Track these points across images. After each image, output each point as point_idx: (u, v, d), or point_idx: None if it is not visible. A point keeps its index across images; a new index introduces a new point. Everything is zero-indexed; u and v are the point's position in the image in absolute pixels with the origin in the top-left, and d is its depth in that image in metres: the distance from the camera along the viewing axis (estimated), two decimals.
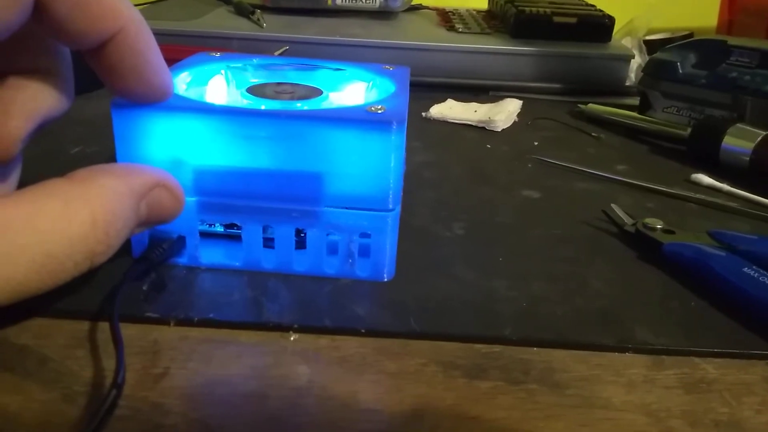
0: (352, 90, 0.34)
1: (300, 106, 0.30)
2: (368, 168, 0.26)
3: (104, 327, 0.25)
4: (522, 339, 0.25)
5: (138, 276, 0.26)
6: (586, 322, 0.26)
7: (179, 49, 0.59)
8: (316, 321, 0.25)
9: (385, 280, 0.28)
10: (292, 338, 0.25)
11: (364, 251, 0.28)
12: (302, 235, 0.28)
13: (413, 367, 0.24)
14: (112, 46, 0.22)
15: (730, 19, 0.74)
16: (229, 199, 0.27)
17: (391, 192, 0.27)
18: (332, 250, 0.28)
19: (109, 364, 0.23)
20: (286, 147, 0.26)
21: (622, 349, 0.25)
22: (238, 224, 0.28)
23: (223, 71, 0.34)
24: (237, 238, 0.28)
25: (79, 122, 0.45)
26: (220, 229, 0.29)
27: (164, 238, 0.28)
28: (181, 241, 0.28)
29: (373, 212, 0.27)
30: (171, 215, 0.24)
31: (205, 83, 0.32)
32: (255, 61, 0.35)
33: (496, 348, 0.25)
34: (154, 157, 0.26)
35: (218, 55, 0.34)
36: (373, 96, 0.33)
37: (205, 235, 0.29)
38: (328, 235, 0.28)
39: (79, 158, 0.40)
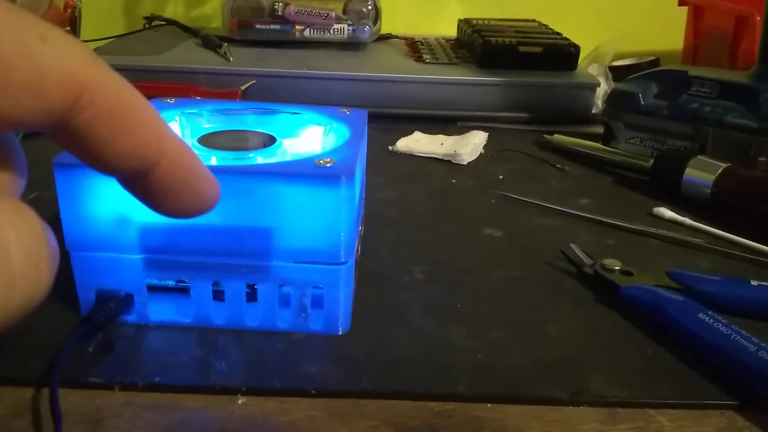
0: (309, 135, 0.34)
1: (252, 156, 0.30)
2: (318, 222, 0.26)
3: (48, 394, 0.24)
4: (475, 395, 0.25)
5: (84, 337, 0.26)
6: (542, 373, 0.26)
7: (147, 86, 0.58)
8: (265, 382, 0.25)
9: (340, 333, 0.28)
10: (239, 402, 0.24)
11: (318, 303, 0.28)
12: (254, 287, 0.28)
13: (364, 431, 0.23)
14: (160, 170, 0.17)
15: (695, 44, 0.75)
16: (177, 256, 0.27)
17: (342, 245, 0.27)
18: (285, 302, 0.28)
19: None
20: (234, 202, 0.26)
21: (577, 403, 0.25)
22: (186, 281, 0.27)
23: (177, 118, 0.33)
24: (188, 291, 0.28)
25: (37, 165, 0.44)
26: (170, 282, 0.29)
27: (111, 296, 0.27)
28: (128, 298, 0.27)
29: (325, 266, 0.27)
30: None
31: None
32: (210, 106, 0.34)
33: (450, 405, 0.24)
34: (99, 215, 0.26)
35: (173, 101, 0.34)
36: (330, 141, 0.33)
37: (155, 289, 0.28)
38: (281, 287, 0.27)
39: (36, 203, 0.39)
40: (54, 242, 0.15)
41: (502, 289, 0.33)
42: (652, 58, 0.76)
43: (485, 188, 0.46)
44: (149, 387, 0.24)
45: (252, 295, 0.28)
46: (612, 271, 0.32)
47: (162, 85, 0.58)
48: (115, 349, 0.26)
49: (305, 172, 0.26)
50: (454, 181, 0.47)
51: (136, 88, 0.16)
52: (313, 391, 0.24)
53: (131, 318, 0.28)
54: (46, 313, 0.27)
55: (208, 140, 0.31)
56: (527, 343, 0.28)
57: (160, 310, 0.28)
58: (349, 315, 0.28)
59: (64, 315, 0.27)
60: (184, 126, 0.33)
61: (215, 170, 0.27)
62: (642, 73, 0.53)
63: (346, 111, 0.35)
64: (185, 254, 0.26)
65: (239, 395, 0.24)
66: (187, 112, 0.34)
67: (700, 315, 0.28)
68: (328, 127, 0.34)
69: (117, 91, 0.15)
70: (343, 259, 0.27)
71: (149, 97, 0.37)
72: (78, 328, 0.26)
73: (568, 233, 0.39)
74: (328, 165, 0.26)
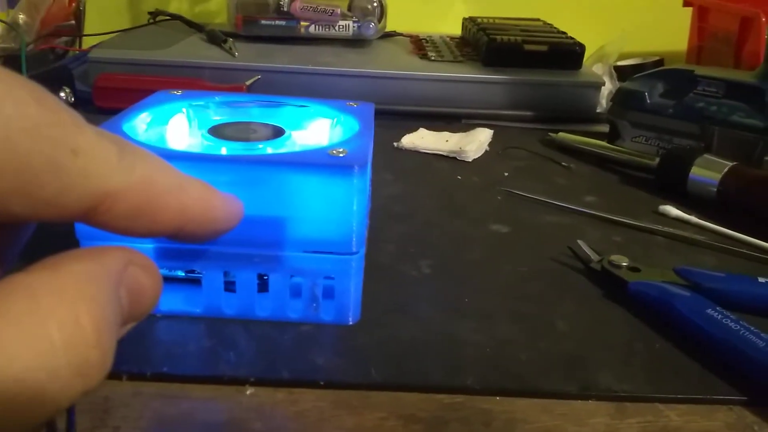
0: (316, 128, 0.34)
1: (262, 147, 0.30)
2: (330, 212, 0.26)
3: None
4: (484, 388, 0.25)
5: None
6: (550, 367, 0.26)
7: (151, 80, 0.58)
8: (273, 373, 0.24)
9: (351, 323, 0.28)
10: (248, 392, 0.24)
11: (329, 294, 0.28)
12: (265, 278, 0.28)
13: (372, 422, 0.23)
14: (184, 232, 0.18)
15: (699, 45, 0.75)
16: (189, 245, 0.27)
17: (354, 235, 0.27)
18: (296, 292, 0.28)
19: (59, 422, 0.22)
20: (247, 192, 0.26)
21: (585, 397, 0.25)
22: (198, 270, 0.27)
23: (184, 110, 0.33)
24: (197, 282, 0.28)
25: None
26: (180, 273, 0.29)
27: None
28: None
29: (336, 256, 0.27)
30: (153, 299, 0.17)
31: (166, 123, 0.32)
32: (217, 98, 0.34)
33: (458, 398, 0.24)
34: None
35: (179, 93, 0.34)
36: (338, 134, 0.33)
37: (165, 279, 0.28)
38: (291, 277, 0.27)
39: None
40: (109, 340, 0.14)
41: (510, 283, 0.33)
42: (657, 58, 0.76)
43: (491, 185, 0.45)
44: (157, 377, 0.24)
45: (262, 286, 0.28)
46: (619, 267, 0.32)
47: (166, 79, 0.58)
48: (122, 338, 0.26)
49: (319, 162, 0.26)
50: (459, 177, 0.47)
51: (169, 167, 0.17)
52: (322, 382, 0.24)
53: None
54: None
55: (217, 131, 0.31)
56: (535, 337, 0.28)
57: (170, 301, 0.28)
58: (359, 305, 0.28)
59: None
60: (191, 118, 0.33)
61: (228, 160, 0.27)
62: (648, 71, 0.53)
63: (354, 104, 0.35)
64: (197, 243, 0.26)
65: (247, 386, 0.24)
66: (194, 104, 0.34)
67: (709, 311, 0.28)
68: (335, 120, 0.34)
69: (140, 191, 0.15)
70: (354, 249, 0.27)
71: (154, 91, 0.37)
72: None
73: (574, 230, 0.39)
74: (341, 155, 0.26)
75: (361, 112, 0.33)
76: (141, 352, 0.25)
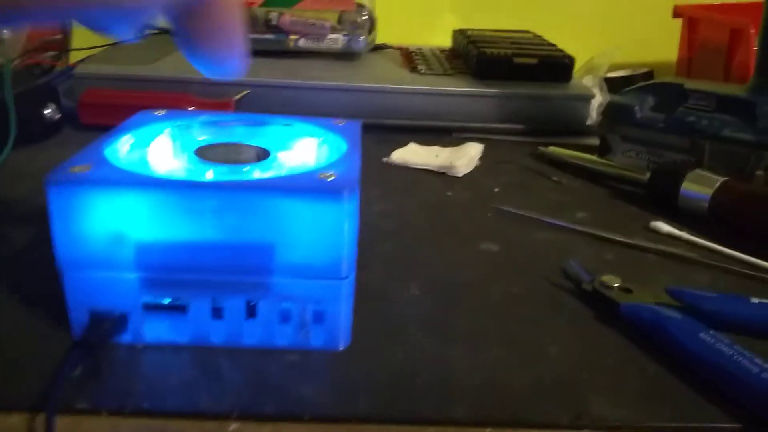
0: (303, 147, 0.33)
1: (248, 170, 0.29)
2: (320, 237, 0.25)
3: (41, 420, 0.23)
4: (475, 420, 0.24)
5: (77, 362, 0.25)
6: (543, 394, 0.26)
7: (138, 95, 0.57)
8: (257, 407, 0.24)
9: (341, 349, 0.27)
10: (231, 428, 0.23)
11: (318, 319, 0.27)
12: (252, 304, 0.27)
13: None
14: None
15: (689, 57, 0.75)
16: (175, 274, 0.26)
17: (344, 260, 0.26)
18: (285, 318, 0.27)
19: None
20: (233, 218, 0.25)
21: (579, 427, 0.24)
22: (183, 300, 0.27)
23: (167, 131, 0.33)
24: (183, 309, 0.27)
25: (27, 176, 0.43)
26: (166, 301, 0.28)
27: (105, 316, 0.26)
28: (123, 318, 0.27)
29: (326, 281, 0.26)
30: None
31: (148, 145, 0.31)
32: (201, 118, 0.34)
33: (449, 431, 0.24)
34: (94, 233, 0.25)
35: (162, 113, 0.33)
36: (324, 153, 0.32)
37: (150, 308, 0.27)
38: (281, 303, 0.27)
39: (24, 217, 0.39)
40: None
41: (501, 305, 0.32)
42: (647, 70, 0.76)
43: (481, 201, 0.45)
44: (137, 412, 0.23)
45: (250, 312, 0.27)
46: (611, 288, 0.32)
47: (154, 94, 0.57)
48: (104, 372, 0.25)
49: (308, 187, 0.25)
50: (449, 193, 0.47)
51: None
52: (307, 417, 0.24)
53: (126, 338, 0.27)
54: (36, 334, 0.26)
55: (202, 153, 0.30)
56: (527, 362, 0.27)
57: (156, 330, 0.27)
58: (349, 330, 0.28)
59: (56, 336, 0.27)
60: (174, 138, 0.33)
61: (214, 187, 0.26)
62: (638, 85, 0.52)
63: (340, 122, 0.34)
64: (183, 272, 0.26)
65: (231, 421, 0.23)
66: (177, 124, 0.33)
67: (701, 334, 0.27)
68: (321, 139, 0.33)
69: None
70: (344, 274, 0.26)
71: (140, 107, 0.36)
72: (71, 351, 0.25)
73: (565, 248, 0.38)
74: (330, 179, 0.25)
75: (347, 131, 0.33)
76: (121, 386, 0.25)
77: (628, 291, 0.32)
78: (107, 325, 0.26)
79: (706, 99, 0.48)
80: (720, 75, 0.68)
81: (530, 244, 0.39)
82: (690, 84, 0.50)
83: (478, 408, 0.25)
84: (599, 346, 0.29)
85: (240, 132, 0.34)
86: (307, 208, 0.25)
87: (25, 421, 0.23)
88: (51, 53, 0.71)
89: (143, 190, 0.25)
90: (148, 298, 0.27)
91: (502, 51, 0.64)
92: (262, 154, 0.31)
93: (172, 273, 0.26)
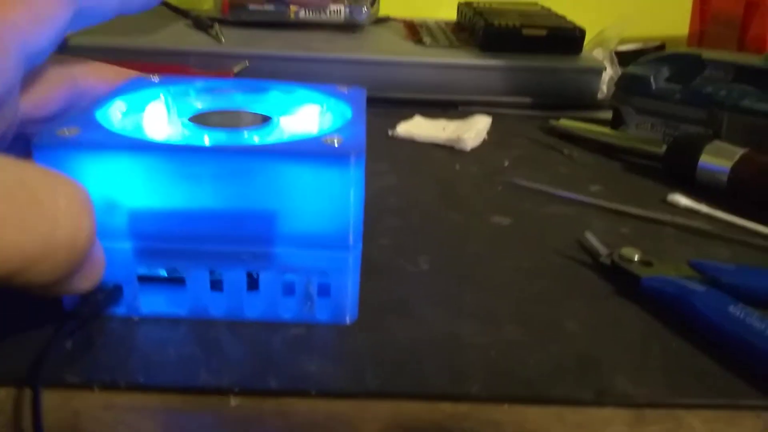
0: (305, 114, 0.32)
1: (247, 136, 0.28)
2: (325, 205, 0.24)
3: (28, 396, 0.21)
4: (491, 396, 0.23)
5: (68, 334, 0.23)
6: (562, 371, 0.24)
7: (135, 67, 0.55)
8: (260, 382, 0.22)
9: (348, 323, 0.26)
10: (232, 403, 0.22)
11: (324, 292, 0.26)
12: (255, 276, 0.25)
13: None
14: None
15: (701, 30, 0.73)
16: (171, 244, 0.24)
17: (351, 229, 0.25)
18: (288, 291, 0.26)
19: None
20: (232, 185, 0.24)
21: (601, 404, 0.23)
22: (181, 271, 0.25)
23: (162, 96, 0.31)
24: (182, 281, 0.26)
25: None
26: (162, 273, 0.26)
27: (98, 287, 0.25)
28: (117, 290, 0.25)
29: (332, 251, 0.25)
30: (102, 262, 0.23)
31: (142, 110, 0.30)
32: (198, 84, 0.32)
33: (463, 407, 0.22)
34: None
35: (157, 79, 0.32)
36: (328, 121, 0.31)
37: (146, 280, 0.26)
38: (284, 275, 0.25)
39: None
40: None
41: (514, 280, 0.30)
42: (658, 43, 0.74)
43: (491, 175, 0.43)
44: (132, 387, 0.22)
45: (252, 284, 0.26)
46: (630, 261, 0.30)
47: (150, 66, 0.55)
48: (96, 345, 0.24)
49: (312, 151, 0.23)
50: (457, 167, 0.45)
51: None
52: (313, 392, 0.22)
53: (120, 311, 0.25)
54: (26, 307, 0.25)
55: (199, 119, 0.29)
56: (544, 339, 0.26)
57: (152, 302, 0.25)
58: (356, 303, 0.26)
59: (47, 309, 0.25)
60: (169, 105, 0.31)
61: (213, 151, 0.24)
62: (653, 55, 0.50)
63: (344, 89, 0.32)
64: (180, 241, 0.24)
65: (231, 396, 0.22)
66: (172, 90, 0.31)
67: (731, 308, 0.26)
68: (324, 106, 0.32)
69: None
70: (351, 244, 0.25)
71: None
72: (63, 323, 0.24)
73: (579, 221, 0.37)
74: (336, 143, 0.24)
75: (352, 98, 0.31)
76: (115, 360, 0.23)
77: (648, 264, 0.30)
78: (100, 296, 0.24)
79: (724, 69, 0.46)
80: (733, 48, 0.66)
81: (543, 217, 0.38)
82: (707, 54, 0.48)
83: (494, 384, 0.23)
84: (620, 322, 0.28)
85: (238, 99, 0.32)
86: (312, 173, 0.23)
87: (11, 395, 0.21)
88: None
89: (137, 154, 0.23)
90: (142, 269, 0.25)
91: (510, 22, 0.62)
92: (263, 121, 0.29)
93: (167, 242, 0.24)
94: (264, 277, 0.25)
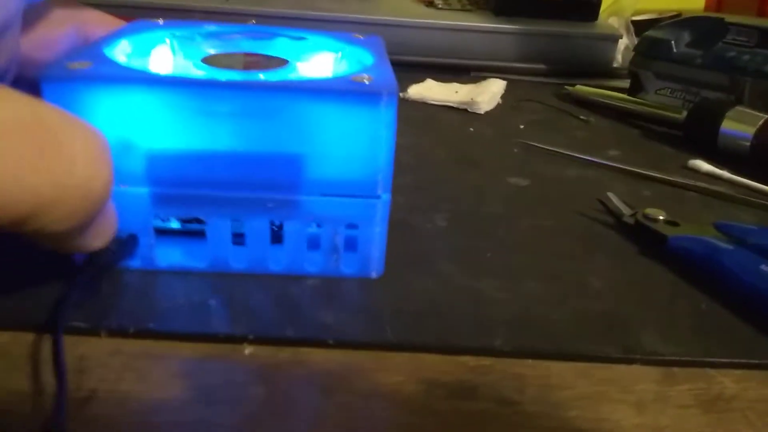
0: (319, 61, 0.30)
1: (263, 77, 0.26)
2: (355, 148, 0.23)
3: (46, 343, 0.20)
4: (515, 350, 0.22)
5: (83, 285, 0.22)
6: (587, 328, 0.23)
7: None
8: (276, 330, 0.21)
9: (374, 277, 0.25)
10: (246, 352, 0.21)
11: (351, 242, 0.24)
12: (276, 228, 0.24)
13: (389, 387, 0.20)
14: None
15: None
16: (190, 189, 0.23)
17: (381, 175, 0.23)
18: (313, 241, 0.24)
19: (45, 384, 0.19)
20: (256, 125, 0.22)
21: (629, 361, 0.22)
22: (201, 218, 0.24)
23: (167, 40, 0.29)
24: (198, 234, 0.24)
25: None
26: (175, 225, 0.25)
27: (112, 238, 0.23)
28: (132, 240, 0.24)
29: (360, 199, 0.23)
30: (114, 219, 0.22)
31: (148, 54, 0.28)
32: (205, 28, 0.30)
33: (486, 361, 0.21)
34: None
35: (161, 22, 0.30)
36: (343, 68, 0.29)
37: (163, 233, 0.24)
38: (310, 224, 0.24)
39: None
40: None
41: (534, 238, 0.29)
42: (674, 13, 0.72)
43: (506, 137, 0.42)
44: (141, 333, 0.21)
45: (276, 238, 0.24)
46: (656, 221, 0.29)
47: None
48: (104, 292, 0.23)
49: (343, 89, 0.22)
50: (471, 129, 0.44)
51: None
52: (331, 341, 0.21)
53: (135, 263, 0.24)
54: (36, 255, 0.23)
55: (212, 61, 0.27)
56: (567, 295, 0.25)
57: (170, 255, 0.24)
58: (383, 257, 0.25)
59: (60, 261, 0.23)
60: (175, 50, 0.29)
61: (236, 86, 0.22)
62: (674, 19, 0.49)
63: (359, 36, 0.31)
64: (200, 187, 0.23)
65: (246, 344, 0.21)
66: (178, 34, 0.30)
67: (763, 267, 0.25)
68: (340, 54, 0.30)
69: None
70: (380, 192, 0.23)
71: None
72: (77, 275, 0.22)
73: (599, 184, 0.36)
74: (366, 81, 0.22)
75: (371, 44, 0.30)
76: (123, 305, 0.22)
77: (674, 224, 0.29)
78: (114, 246, 0.23)
79: (747, 34, 0.45)
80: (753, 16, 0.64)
81: (561, 179, 0.36)
82: (730, 18, 0.46)
83: (517, 338, 0.22)
84: (646, 281, 0.27)
85: (247, 45, 0.31)
86: (342, 113, 0.22)
87: (24, 341, 0.20)
88: None
89: (154, 88, 0.21)
90: (160, 217, 0.24)
91: None
92: (279, 64, 0.28)
93: (187, 188, 0.23)
94: (289, 228, 0.24)
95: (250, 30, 0.31)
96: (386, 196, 0.24)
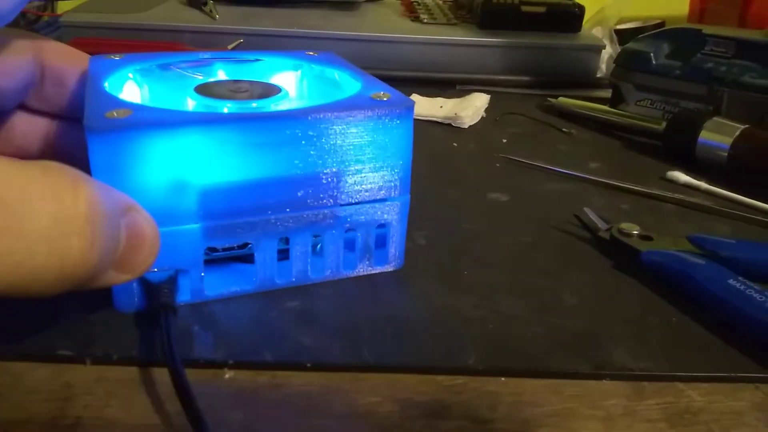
0: (281, 81, 0.31)
1: (255, 106, 0.27)
2: (386, 157, 0.25)
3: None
4: (488, 368, 0.22)
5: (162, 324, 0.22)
6: (559, 344, 0.24)
7: (127, 44, 0.55)
8: (255, 355, 0.22)
9: (394, 269, 0.28)
10: (226, 376, 0.22)
11: (381, 241, 0.27)
12: (316, 238, 0.26)
13: (366, 407, 0.21)
14: None
15: (701, 7, 0.72)
16: (240, 218, 0.24)
17: (407, 177, 0.26)
18: (349, 246, 0.27)
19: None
20: (299, 149, 0.24)
21: (599, 377, 0.23)
22: (250, 242, 0.25)
23: (131, 75, 0.29)
24: (240, 258, 0.26)
25: None
26: (218, 253, 0.26)
27: (158, 278, 0.23)
28: (180, 276, 0.24)
29: (389, 201, 0.26)
30: (150, 251, 0.19)
31: (120, 91, 0.28)
32: (157, 60, 0.30)
33: (460, 380, 0.22)
34: (151, 184, 0.22)
35: (119, 57, 0.29)
36: (306, 88, 0.31)
37: (209, 262, 0.25)
38: (347, 231, 0.26)
39: None
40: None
41: (512, 255, 0.30)
42: (657, 21, 0.73)
43: (489, 152, 0.43)
44: (125, 361, 0.22)
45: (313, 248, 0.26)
46: (630, 235, 0.30)
47: (143, 44, 0.55)
48: (89, 319, 0.23)
49: (374, 108, 0.24)
50: (455, 144, 0.44)
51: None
52: (309, 365, 0.22)
53: (185, 297, 0.24)
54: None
55: (206, 91, 0.28)
56: (542, 312, 0.26)
57: (218, 283, 0.25)
58: (404, 250, 0.28)
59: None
60: (140, 84, 0.29)
61: (279, 117, 0.24)
62: (653, 31, 0.50)
63: (313, 53, 0.32)
64: (249, 214, 0.24)
65: (226, 369, 0.22)
66: (138, 69, 0.30)
67: (731, 281, 0.26)
68: (300, 72, 0.31)
69: None
70: (405, 192, 0.26)
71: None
72: (165, 315, 0.22)
73: (578, 198, 0.36)
74: (385, 98, 0.25)
75: (331, 60, 0.31)
76: (107, 334, 0.23)
77: (648, 239, 0.30)
78: (168, 285, 0.23)
79: (724, 45, 0.46)
80: (734, 26, 0.65)
81: (541, 194, 0.37)
82: (707, 29, 0.47)
83: (491, 356, 0.23)
84: (619, 296, 0.27)
85: (213, 71, 0.31)
86: (374, 128, 0.24)
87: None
88: (37, 2, 0.68)
89: (205, 128, 0.22)
90: (210, 249, 0.25)
91: None
92: (271, 91, 0.28)
93: (236, 217, 0.23)
94: (327, 237, 0.26)
95: (202, 58, 0.31)
96: (408, 196, 0.27)
